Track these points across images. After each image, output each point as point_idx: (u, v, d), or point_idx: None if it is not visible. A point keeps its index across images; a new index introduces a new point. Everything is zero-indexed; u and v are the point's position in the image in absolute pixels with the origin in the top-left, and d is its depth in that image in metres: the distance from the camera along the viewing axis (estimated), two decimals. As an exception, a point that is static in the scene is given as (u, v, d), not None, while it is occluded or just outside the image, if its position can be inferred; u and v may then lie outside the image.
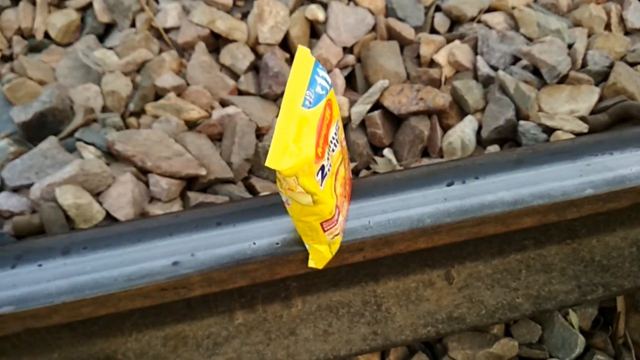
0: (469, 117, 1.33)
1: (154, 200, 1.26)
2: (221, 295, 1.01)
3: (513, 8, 1.51)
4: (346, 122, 1.38)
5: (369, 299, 1.04)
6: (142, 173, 1.28)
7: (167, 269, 0.88)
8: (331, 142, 0.78)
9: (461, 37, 1.48)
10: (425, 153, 1.35)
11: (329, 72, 1.43)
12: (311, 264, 0.87)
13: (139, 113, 1.39)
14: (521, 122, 1.26)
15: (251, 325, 1.02)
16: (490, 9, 1.55)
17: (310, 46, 1.49)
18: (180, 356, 1.01)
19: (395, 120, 1.38)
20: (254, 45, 1.48)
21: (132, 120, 1.37)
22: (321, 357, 1.02)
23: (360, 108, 1.36)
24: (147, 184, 1.27)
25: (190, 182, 1.30)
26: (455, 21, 1.54)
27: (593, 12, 1.48)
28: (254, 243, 0.88)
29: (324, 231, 0.81)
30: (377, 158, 1.35)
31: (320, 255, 0.85)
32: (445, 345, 1.11)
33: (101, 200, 1.22)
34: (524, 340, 1.10)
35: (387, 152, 1.34)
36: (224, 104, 1.41)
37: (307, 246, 0.86)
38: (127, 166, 1.27)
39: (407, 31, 1.48)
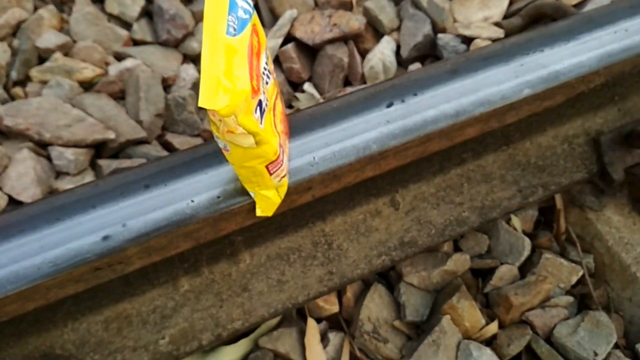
0: (386, 38, 1.28)
1: (62, 175, 1.12)
2: (161, 264, 0.92)
3: None
4: (259, 60, 1.29)
5: (319, 239, 0.99)
6: (41, 147, 1.13)
7: (98, 245, 0.78)
8: (263, 73, 0.70)
9: (363, -44, 1.41)
10: (347, 82, 1.29)
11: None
12: (259, 212, 0.80)
13: (24, 81, 1.22)
14: (439, 36, 1.23)
15: (199, 290, 0.95)
16: None
17: (206, -17, 1.36)
18: (126, 337, 0.92)
19: (310, 52, 1.30)
20: (142, -11, 1.33)
21: (17, 90, 1.20)
22: (279, 308, 0.97)
23: (272, 43, 1.27)
24: (49, 158, 1.12)
25: (99, 149, 1.17)
26: (354, -60, 1.46)
27: None
28: (192, 201, 0.80)
29: (270, 174, 0.73)
30: (297, 94, 1.27)
31: (268, 202, 0.78)
32: (399, 271, 1.09)
33: (0, 185, 1.07)
34: (474, 252, 1.11)
35: (307, 86, 1.27)
36: (119, 57, 1.27)
37: (252, 194, 0.78)
38: (22, 142, 1.12)
39: (306, -45, 1.38)
